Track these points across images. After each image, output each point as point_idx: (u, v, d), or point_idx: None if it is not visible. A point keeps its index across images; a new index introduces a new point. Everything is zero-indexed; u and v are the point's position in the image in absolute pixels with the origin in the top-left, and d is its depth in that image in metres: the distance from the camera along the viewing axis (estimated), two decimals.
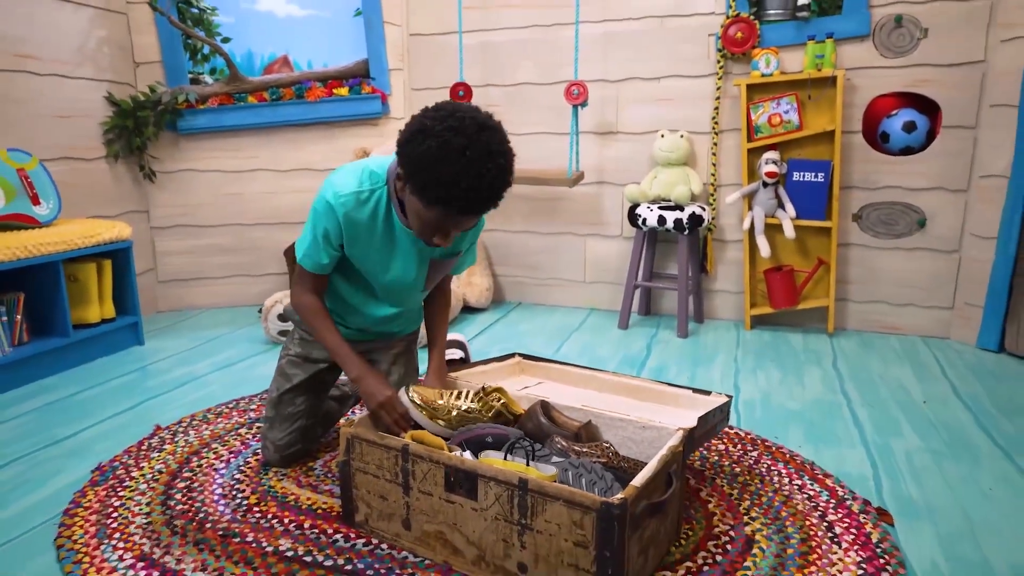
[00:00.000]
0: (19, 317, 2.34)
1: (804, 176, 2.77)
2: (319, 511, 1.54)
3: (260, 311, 3.05)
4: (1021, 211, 2.51)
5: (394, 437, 1.39)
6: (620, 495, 1.12)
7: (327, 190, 1.43)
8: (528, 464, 1.28)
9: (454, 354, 2.27)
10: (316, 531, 1.46)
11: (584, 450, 1.37)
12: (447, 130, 1.23)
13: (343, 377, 1.88)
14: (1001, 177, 2.56)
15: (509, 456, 1.31)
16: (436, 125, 1.24)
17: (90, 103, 2.86)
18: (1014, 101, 2.49)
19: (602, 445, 1.39)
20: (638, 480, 1.18)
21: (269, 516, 1.52)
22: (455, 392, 1.57)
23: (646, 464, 1.33)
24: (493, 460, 1.30)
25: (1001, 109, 2.55)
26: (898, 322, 2.87)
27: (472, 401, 1.55)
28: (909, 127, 2.70)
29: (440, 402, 1.54)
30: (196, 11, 3.09)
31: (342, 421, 1.83)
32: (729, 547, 1.39)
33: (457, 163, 1.22)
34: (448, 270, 1.66)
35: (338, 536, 1.44)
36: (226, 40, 3.21)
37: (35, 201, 2.47)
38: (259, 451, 1.82)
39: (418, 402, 1.52)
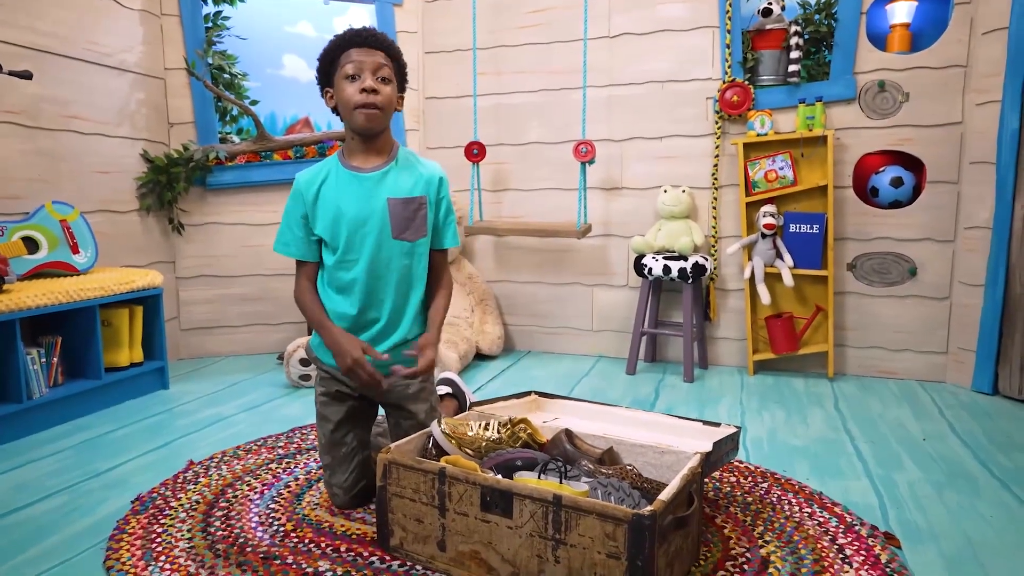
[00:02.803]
0: (56, 359, 2.44)
1: (800, 228, 2.94)
2: (353, 536, 1.62)
3: (280, 357, 3.15)
4: (1005, 259, 2.66)
5: (431, 461, 1.48)
6: (649, 508, 1.21)
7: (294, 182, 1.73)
8: (561, 483, 1.38)
9: (442, 389, 2.30)
10: (352, 554, 1.54)
11: (609, 472, 1.46)
12: None
13: (381, 412, 1.96)
14: (984, 228, 2.73)
15: (542, 476, 1.40)
16: None
17: (127, 160, 3.04)
18: (991, 159, 2.69)
19: (625, 467, 1.48)
20: (665, 494, 1.27)
21: (306, 541, 1.60)
22: (483, 423, 1.68)
23: (667, 485, 1.42)
24: (528, 480, 1.39)
25: (980, 166, 2.74)
26: (895, 367, 2.99)
27: (499, 432, 1.65)
28: (896, 182, 2.88)
29: (469, 433, 1.65)
30: (228, 76, 3.31)
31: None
32: (746, 567, 1.47)
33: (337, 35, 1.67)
34: (418, 223, 1.69)
35: (374, 559, 1.52)
36: (254, 103, 3.42)
37: (75, 250, 2.61)
38: (290, 483, 1.90)
39: (448, 432, 1.62)
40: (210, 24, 3.28)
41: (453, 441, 1.62)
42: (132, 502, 1.78)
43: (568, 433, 1.64)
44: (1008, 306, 2.68)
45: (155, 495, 1.83)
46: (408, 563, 1.49)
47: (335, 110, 1.70)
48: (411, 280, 1.73)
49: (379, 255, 1.67)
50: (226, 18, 3.32)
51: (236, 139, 3.42)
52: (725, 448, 1.61)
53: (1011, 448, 2.17)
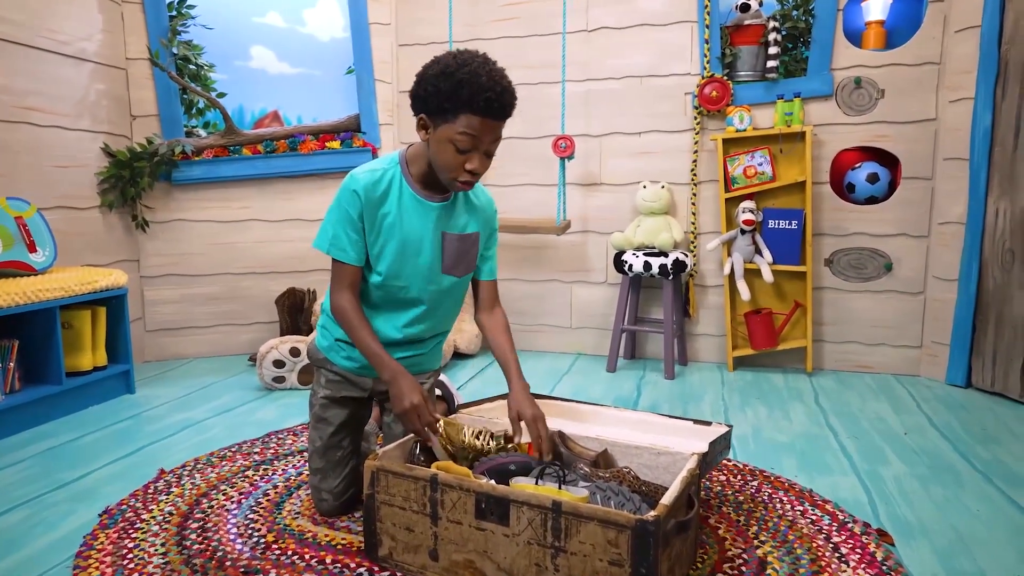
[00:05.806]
0: (12, 364, 2.31)
1: (779, 224, 2.95)
2: (339, 547, 1.55)
3: (252, 359, 3.05)
4: (978, 254, 2.71)
5: (422, 468, 1.42)
6: (653, 513, 1.18)
7: (347, 179, 1.55)
8: (560, 488, 1.33)
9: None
10: (339, 566, 1.47)
11: (607, 475, 1.43)
12: (451, 54, 1.46)
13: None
14: (958, 223, 2.77)
15: (540, 481, 1.36)
16: (440, 58, 1.46)
17: (87, 154, 2.90)
18: (964, 155, 2.72)
19: (622, 470, 1.45)
20: (667, 498, 1.24)
21: (289, 553, 1.53)
22: (475, 431, 1.62)
23: (665, 488, 1.39)
24: (525, 485, 1.34)
25: (953, 162, 2.78)
26: (871, 361, 3.02)
27: (490, 444, 1.59)
28: (872, 178, 2.91)
29: (466, 440, 1.59)
30: (194, 67, 3.18)
31: None
32: (744, 568, 1.45)
33: (473, 63, 1.41)
34: (469, 259, 1.65)
35: (362, 570, 1.46)
36: (221, 95, 3.30)
37: (32, 249, 2.48)
38: (269, 491, 1.83)
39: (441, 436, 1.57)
40: (174, 12, 3.14)
41: (444, 441, 1.56)
42: (100, 515, 1.69)
43: (561, 435, 1.60)
44: (981, 300, 2.72)
45: (125, 507, 1.73)
46: (398, 573, 1.44)
47: (420, 135, 1.53)
48: (449, 313, 1.71)
49: (426, 287, 1.61)
50: (191, 7, 3.19)
51: (203, 133, 3.29)
52: (719, 448, 1.59)
53: (988, 440, 2.20)
